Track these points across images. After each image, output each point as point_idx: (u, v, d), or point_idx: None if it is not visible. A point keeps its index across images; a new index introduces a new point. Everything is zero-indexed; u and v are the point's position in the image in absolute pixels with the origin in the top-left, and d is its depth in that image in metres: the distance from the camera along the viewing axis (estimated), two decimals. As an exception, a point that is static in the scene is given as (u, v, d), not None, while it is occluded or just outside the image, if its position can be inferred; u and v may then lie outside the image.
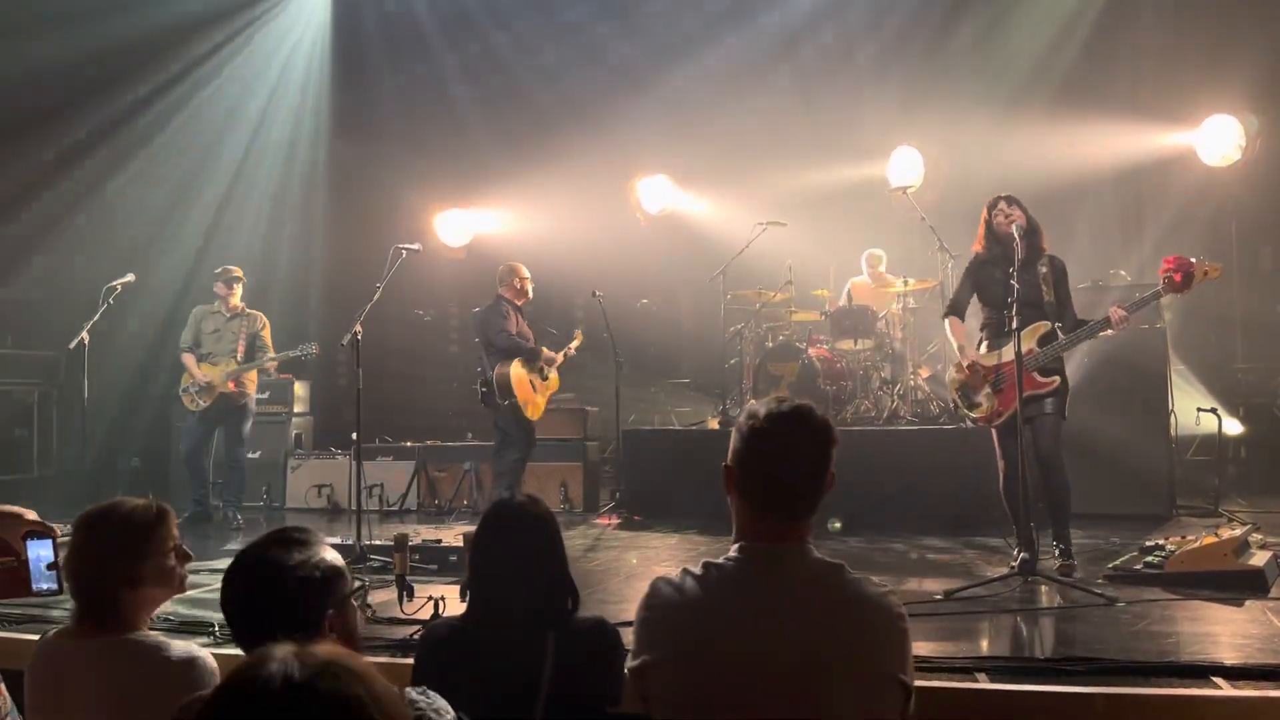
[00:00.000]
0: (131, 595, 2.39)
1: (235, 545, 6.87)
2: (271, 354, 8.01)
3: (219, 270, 8.18)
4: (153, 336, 9.63)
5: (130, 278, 7.38)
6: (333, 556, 2.05)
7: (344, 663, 1.05)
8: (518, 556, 2.42)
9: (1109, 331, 5.10)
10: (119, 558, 2.37)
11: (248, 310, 8.15)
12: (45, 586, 2.53)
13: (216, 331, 8.00)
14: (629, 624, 3.72)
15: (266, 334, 8.13)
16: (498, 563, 2.45)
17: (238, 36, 10.82)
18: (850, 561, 2.08)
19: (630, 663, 2.05)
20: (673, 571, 2.10)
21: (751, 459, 2.08)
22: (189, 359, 7.95)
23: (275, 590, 1.96)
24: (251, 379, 8.10)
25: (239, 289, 8.11)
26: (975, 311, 5.55)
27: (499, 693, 2.26)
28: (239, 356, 7.95)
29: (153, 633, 2.40)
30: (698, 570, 2.06)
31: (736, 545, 2.07)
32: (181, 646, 2.39)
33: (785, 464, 2.05)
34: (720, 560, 2.06)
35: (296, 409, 9.67)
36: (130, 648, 2.33)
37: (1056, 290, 5.22)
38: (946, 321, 5.56)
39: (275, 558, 2.00)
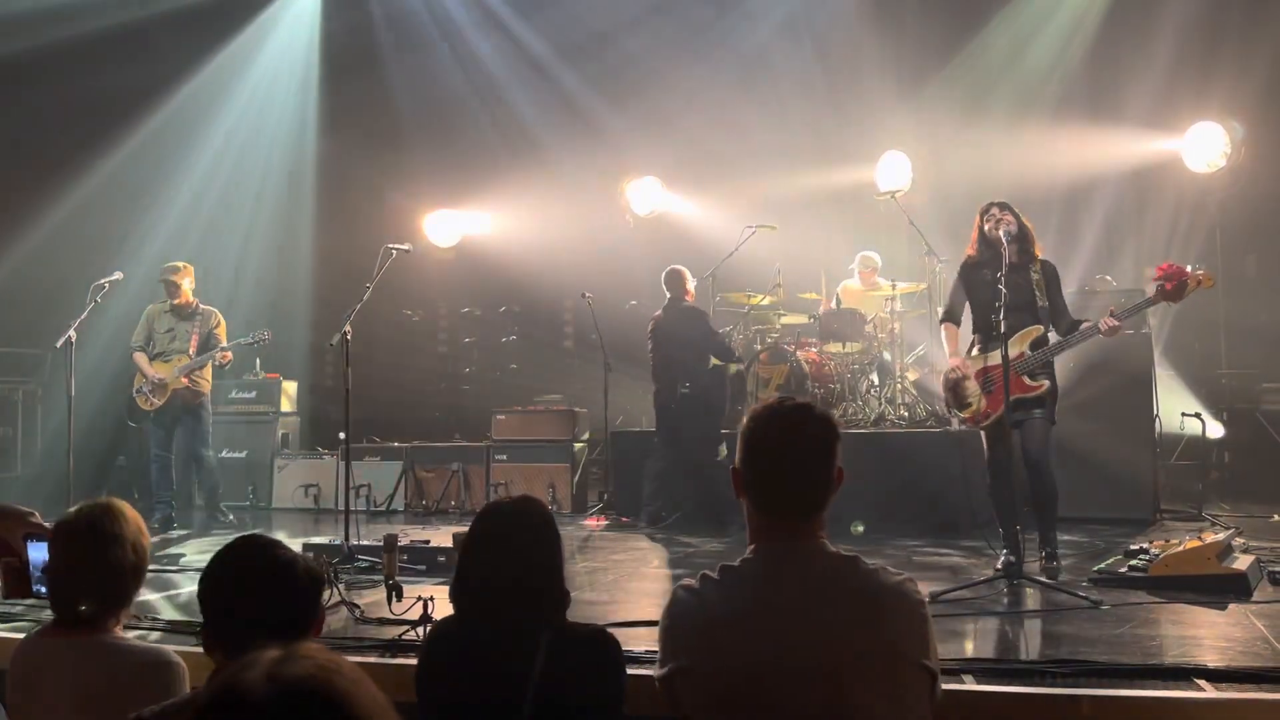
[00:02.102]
0: (105, 595, 2.40)
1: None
2: (224, 344, 7.81)
3: (166, 266, 7.92)
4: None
5: (118, 276, 7.30)
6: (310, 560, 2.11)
7: (334, 668, 1.01)
8: (514, 558, 2.38)
9: (1099, 336, 5.12)
10: (94, 559, 2.39)
11: (201, 307, 7.95)
12: (43, 590, 2.54)
13: (170, 330, 7.82)
14: (620, 625, 3.74)
15: (221, 331, 7.94)
16: (492, 563, 2.39)
17: (227, 33, 10.76)
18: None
19: (658, 671, 2.06)
20: (691, 579, 2.10)
21: (756, 460, 2.09)
22: (140, 358, 7.78)
23: (281, 590, 1.98)
24: (205, 377, 7.92)
25: (188, 285, 7.88)
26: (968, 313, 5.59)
27: (491, 694, 2.25)
28: (192, 353, 7.77)
29: (124, 634, 2.41)
30: (715, 575, 2.06)
31: (751, 547, 2.08)
32: (150, 648, 2.40)
33: (789, 463, 2.06)
34: (736, 564, 2.07)
35: (284, 408, 9.64)
36: (100, 648, 2.35)
37: (1050, 294, 5.26)
38: (942, 327, 5.62)
39: (281, 559, 2.03)
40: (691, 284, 7.96)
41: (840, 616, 1.95)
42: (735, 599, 2.02)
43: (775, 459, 2.07)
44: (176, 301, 7.86)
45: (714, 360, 7.85)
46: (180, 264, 7.97)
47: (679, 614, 2.07)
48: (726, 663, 1.96)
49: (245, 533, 2.16)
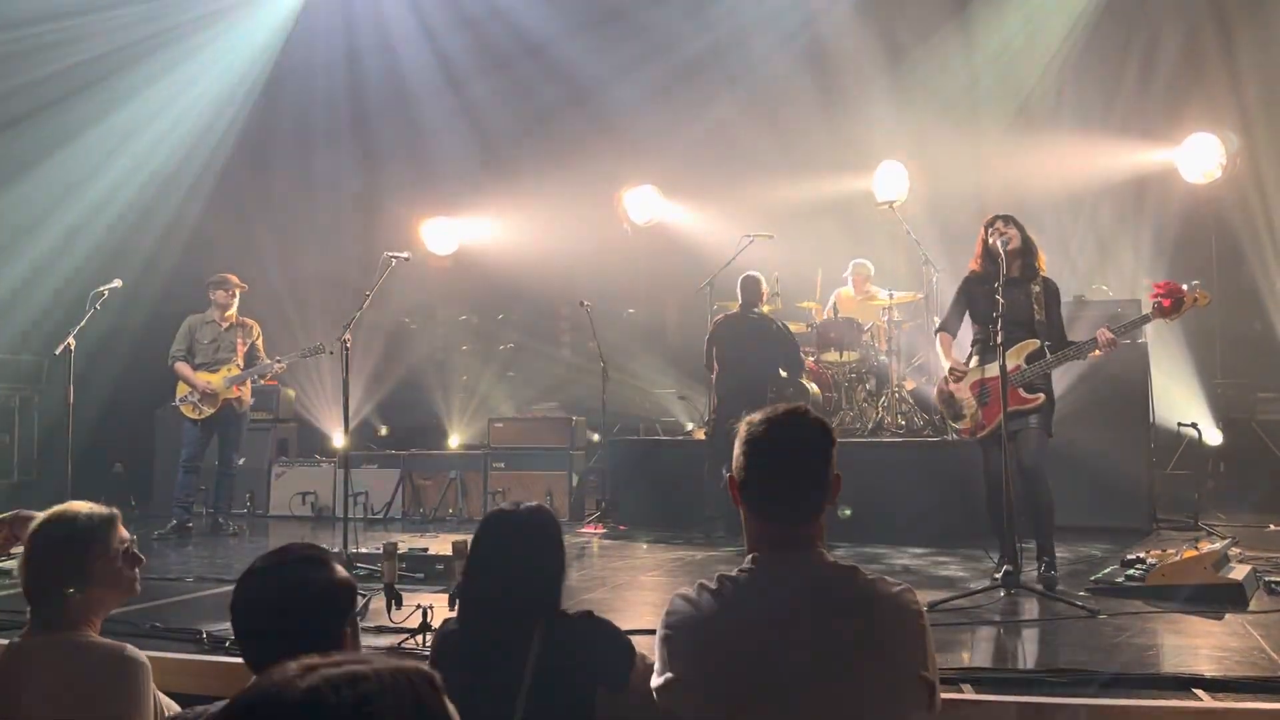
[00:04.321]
0: (79, 598, 2.42)
1: (232, 552, 6.87)
2: (267, 360, 7.87)
3: (217, 279, 7.97)
4: (137, 342, 9.56)
5: (117, 283, 7.31)
6: (345, 574, 2.09)
7: (362, 675, 1.04)
8: (520, 559, 2.49)
9: (1096, 353, 5.16)
10: (66, 561, 2.41)
11: (243, 319, 8.03)
12: None
13: (214, 341, 7.85)
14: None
15: (260, 342, 8.04)
16: (499, 565, 2.51)
17: (216, 34, 10.74)
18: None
19: (655, 681, 2.06)
20: (688, 587, 2.11)
21: (750, 468, 2.09)
22: (184, 368, 7.78)
23: (299, 608, 1.97)
24: (248, 387, 8.02)
25: (238, 298, 7.98)
26: (968, 327, 5.60)
27: (492, 681, 2.35)
28: (239, 363, 7.84)
29: (90, 632, 2.42)
30: (713, 584, 2.06)
31: (749, 556, 2.09)
32: (113, 645, 2.42)
33: (782, 470, 2.06)
34: (734, 572, 2.07)
35: (281, 416, 9.64)
36: (65, 645, 2.38)
37: (1048, 311, 5.28)
38: (938, 337, 5.64)
39: (299, 575, 2.02)
40: (767, 291, 7.78)
41: (836, 626, 1.95)
42: (733, 608, 2.02)
43: (771, 466, 2.07)
44: (227, 313, 7.91)
45: (782, 371, 7.53)
46: (233, 277, 8.02)
47: (677, 623, 2.07)
48: (724, 672, 1.96)
49: (288, 543, 2.15)
